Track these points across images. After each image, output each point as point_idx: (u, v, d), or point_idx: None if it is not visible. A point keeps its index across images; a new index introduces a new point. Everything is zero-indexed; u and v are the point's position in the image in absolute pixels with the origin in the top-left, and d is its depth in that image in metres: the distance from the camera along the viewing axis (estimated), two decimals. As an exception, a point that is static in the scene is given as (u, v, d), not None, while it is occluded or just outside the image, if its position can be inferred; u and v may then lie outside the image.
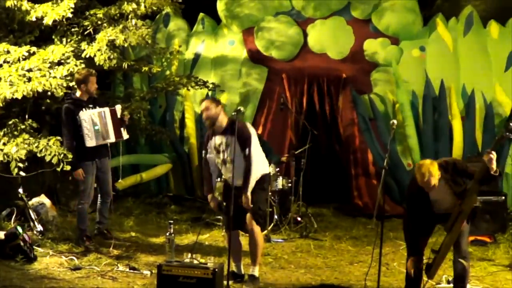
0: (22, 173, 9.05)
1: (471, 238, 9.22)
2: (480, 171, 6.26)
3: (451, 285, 7.08)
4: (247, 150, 7.16)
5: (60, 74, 9.07)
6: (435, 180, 6.24)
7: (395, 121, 6.86)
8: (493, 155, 6.14)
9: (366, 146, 11.76)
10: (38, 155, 8.85)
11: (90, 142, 8.39)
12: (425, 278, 6.74)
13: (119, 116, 8.68)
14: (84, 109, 8.44)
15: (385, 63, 11.82)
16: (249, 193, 7.18)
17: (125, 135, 8.80)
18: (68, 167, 8.63)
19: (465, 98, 11.61)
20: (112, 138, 8.53)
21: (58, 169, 8.71)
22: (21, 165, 8.80)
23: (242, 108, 7.18)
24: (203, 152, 7.52)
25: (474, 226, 9.55)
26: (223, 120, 7.27)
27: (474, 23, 11.84)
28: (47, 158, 8.73)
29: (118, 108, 8.80)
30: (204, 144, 7.56)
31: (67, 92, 9.02)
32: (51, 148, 8.73)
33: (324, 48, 12.02)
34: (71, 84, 9.23)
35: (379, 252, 6.59)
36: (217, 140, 7.25)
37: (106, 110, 8.55)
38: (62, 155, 8.61)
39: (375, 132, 11.67)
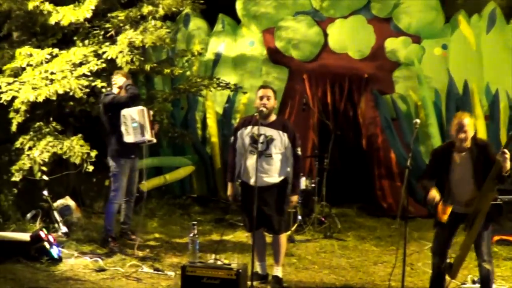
0: (45, 177, 9.13)
1: (496, 237, 9.18)
2: (493, 169, 6.22)
3: (477, 285, 7.04)
4: (298, 149, 7.17)
5: (80, 73, 9.14)
6: (469, 130, 6.32)
7: (418, 120, 6.78)
8: (507, 155, 6.11)
9: (389, 146, 11.71)
10: (64, 157, 8.92)
11: (128, 138, 8.45)
12: (448, 278, 6.70)
13: (151, 118, 8.77)
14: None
15: (407, 62, 11.76)
16: (296, 196, 7.26)
17: (154, 139, 8.85)
18: (91, 168, 8.69)
19: (488, 97, 11.50)
20: (148, 136, 8.55)
21: (82, 170, 8.80)
22: (44, 168, 8.87)
23: (264, 109, 7.12)
24: (232, 138, 7.43)
25: (499, 226, 9.49)
26: (272, 113, 7.23)
27: (497, 19, 11.73)
28: (72, 160, 8.81)
29: (151, 112, 8.91)
30: (234, 130, 7.45)
31: (102, 91, 9.23)
32: (75, 148, 8.81)
33: (344, 47, 11.99)
34: (93, 84, 9.31)
35: (403, 252, 6.55)
36: (256, 130, 7.01)
37: (145, 109, 8.62)
38: (86, 155, 8.68)
39: (398, 132, 11.62)
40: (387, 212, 11.45)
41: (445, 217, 6.44)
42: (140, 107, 8.60)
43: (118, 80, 8.78)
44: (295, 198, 7.30)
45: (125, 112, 8.46)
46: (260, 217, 7.02)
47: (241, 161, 7.27)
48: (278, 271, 7.34)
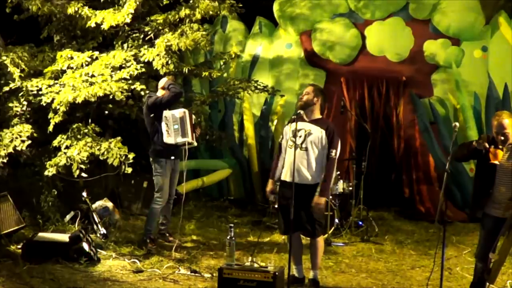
0: (84, 175, 9.23)
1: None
2: None
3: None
4: (334, 151, 7.15)
5: (120, 77, 9.24)
6: (509, 131, 6.27)
7: (457, 124, 6.72)
8: None
9: (427, 150, 11.61)
10: (100, 157, 9.02)
11: (169, 139, 8.54)
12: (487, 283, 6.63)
13: (193, 122, 8.85)
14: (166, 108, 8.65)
15: (445, 65, 11.62)
16: (324, 199, 7.17)
17: (195, 142, 8.92)
18: (129, 170, 8.78)
19: (528, 99, 11.29)
20: (189, 137, 8.61)
21: (120, 172, 8.89)
22: (83, 166, 8.97)
23: (302, 112, 7.14)
24: (281, 137, 7.51)
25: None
26: (315, 111, 7.27)
27: (538, 20, 11.48)
28: (109, 161, 8.90)
29: (194, 117, 8.99)
30: (284, 130, 7.51)
31: (146, 93, 9.36)
32: (113, 150, 8.90)
33: (382, 50, 11.90)
34: (132, 87, 9.39)
35: (441, 257, 6.50)
36: (299, 125, 7.07)
37: (187, 111, 8.69)
38: (124, 157, 8.77)
39: (436, 136, 11.50)
40: (425, 216, 11.34)
41: (498, 160, 6.34)
42: (183, 109, 8.68)
43: (161, 82, 8.88)
44: (321, 200, 7.14)
45: (167, 113, 8.55)
46: (296, 220, 6.99)
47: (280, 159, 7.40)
48: (315, 275, 7.34)
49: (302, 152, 7.10)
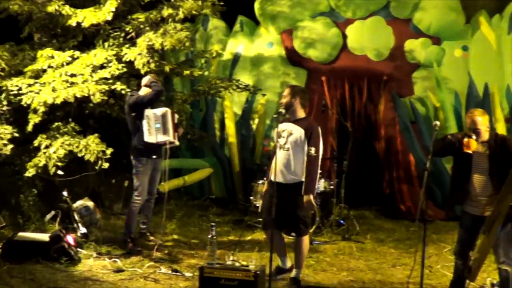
0: (60, 172, 9.18)
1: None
2: (507, 184, 6.19)
3: (496, 288, 7.00)
4: (313, 149, 7.19)
5: (101, 76, 9.22)
6: (482, 126, 6.31)
7: (438, 123, 6.75)
8: None
9: (408, 149, 11.66)
10: (79, 155, 9.00)
11: (151, 138, 8.50)
12: (468, 281, 6.66)
13: (176, 121, 8.81)
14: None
15: (426, 64, 11.69)
16: (311, 196, 7.20)
17: (177, 142, 8.90)
18: (106, 165, 8.77)
19: (509, 99, 11.33)
20: (171, 136, 8.58)
21: (97, 167, 8.88)
22: (59, 164, 8.94)
23: (283, 111, 7.18)
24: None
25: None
26: (296, 111, 7.34)
27: (519, 19, 11.53)
28: (86, 157, 8.88)
29: (176, 115, 8.95)
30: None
31: (129, 91, 9.34)
32: (90, 147, 8.88)
33: (363, 49, 11.94)
34: (113, 87, 9.36)
35: (422, 255, 6.53)
36: (283, 126, 7.29)
37: (169, 110, 8.67)
38: (101, 153, 8.76)
39: (417, 135, 11.54)
40: (405, 215, 11.40)
41: (470, 149, 6.35)
42: (165, 108, 8.65)
43: (143, 79, 8.86)
44: (306, 198, 7.19)
45: (149, 112, 8.52)
46: (280, 218, 7.06)
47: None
48: (297, 274, 7.38)
49: (284, 152, 7.20)
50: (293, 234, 7.39)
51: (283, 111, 7.21)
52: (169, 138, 8.58)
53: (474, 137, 6.30)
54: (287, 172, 7.21)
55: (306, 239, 7.43)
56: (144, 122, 8.52)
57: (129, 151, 8.83)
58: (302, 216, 7.32)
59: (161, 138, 8.54)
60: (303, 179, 7.21)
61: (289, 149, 7.21)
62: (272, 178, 7.21)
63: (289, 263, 7.58)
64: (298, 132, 7.22)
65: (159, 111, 8.55)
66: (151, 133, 8.50)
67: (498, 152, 6.33)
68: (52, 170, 8.97)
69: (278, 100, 12.05)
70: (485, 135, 6.38)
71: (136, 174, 8.73)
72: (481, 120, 6.34)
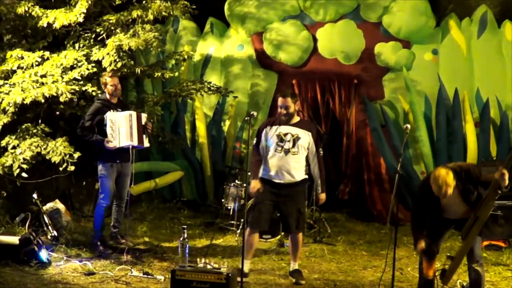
0: (24, 175, 9.09)
1: (486, 243, 9.22)
2: (491, 187, 6.24)
3: (466, 290, 7.06)
4: (321, 150, 7.63)
5: (71, 77, 9.17)
6: (451, 189, 6.25)
7: (408, 126, 6.83)
8: (505, 172, 6.13)
9: (378, 152, 11.71)
10: (47, 157, 8.93)
11: (113, 143, 8.44)
12: (440, 283, 6.72)
13: (143, 123, 8.73)
14: (111, 110, 8.55)
15: (396, 67, 11.74)
16: (324, 194, 7.72)
17: (146, 143, 8.84)
18: (72, 168, 8.72)
19: (479, 102, 11.41)
20: (135, 142, 8.54)
21: (61, 169, 8.84)
22: (24, 166, 8.87)
23: (255, 113, 7.29)
24: (254, 141, 7.77)
25: (488, 231, 9.50)
26: (294, 114, 7.57)
27: (488, 23, 11.63)
28: (53, 159, 8.83)
29: (144, 116, 8.88)
30: (258, 131, 7.77)
31: (96, 94, 9.30)
32: (58, 149, 8.83)
33: (334, 52, 11.95)
34: (83, 88, 9.32)
35: (393, 257, 6.58)
36: (284, 129, 7.51)
37: (133, 113, 8.61)
38: (68, 155, 8.71)
39: (386, 137, 11.59)
40: (376, 218, 11.47)
41: (430, 273, 6.55)
42: (129, 112, 8.58)
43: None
44: (324, 196, 7.80)
45: (112, 116, 8.46)
46: (283, 217, 7.67)
47: (262, 160, 7.65)
48: (296, 265, 7.79)
49: (293, 155, 7.47)
50: (292, 230, 7.66)
51: (255, 113, 7.52)
52: (132, 143, 8.54)
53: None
54: (294, 173, 7.50)
55: (302, 235, 7.84)
56: (108, 127, 8.45)
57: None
58: (304, 211, 7.87)
59: (124, 143, 8.49)
60: (305, 176, 7.62)
61: (297, 153, 7.47)
62: (275, 180, 7.51)
63: (248, 269, 7.69)
64: (305, 136, 7.53)
65: (123, 115, 8.49)
66: (114, 137, 8.44)
67: (467, 186, 6.38)
68: (16, 172, 8.90)
69: (249, 101, 12.13)
70: (450, 190, 6.30)
71: (99, 178, 8.72)
72: (448, 183, 6.23)
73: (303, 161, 7.56)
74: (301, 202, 7.84)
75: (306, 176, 7.67)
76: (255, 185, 7.60)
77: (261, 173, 7.65)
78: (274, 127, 7.55)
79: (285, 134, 7.48)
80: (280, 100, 7.56)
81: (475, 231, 6.36)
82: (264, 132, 7.65)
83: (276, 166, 7.50)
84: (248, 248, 7.46)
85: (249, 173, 7.76)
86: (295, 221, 7.60)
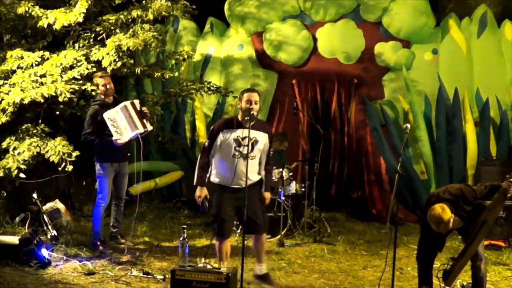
0: (22, 175, 9.10)
1: (486, 242, 9.20)
2: (498, 194, 6.28)
3: (467, 289, 7.07)
4: (272, 150, 7.42)
5: (70, 76, 9.20)
6: (450, 224, 6.29)
7: (408, 125, 6.80)
8: None
9: (378, 152, 11.71)
10: (46, 156, 8.94)
11: (122, 138, 8.44)
12: (442, 284, 6.71)
13: (138, 108, 8.72)
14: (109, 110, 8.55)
15: (396, 67, 11.75)
16: (268, 193, 7.49)
17: (149, 126, 8.84)
18: (70, 168, 8.76)
19: (479, 102, 11.43)
20: (140, 129, 8.54)
21: (60, 168, 8.86)
22: (23, 167, 8.89)
23: (255, 113, 7.11)
24: (207, 141, 7.29)
25: (488, 231, 9.52)
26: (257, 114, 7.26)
27: (488, 23, 11.64)
28: (51, 159, 8.83)
29: (137, 102, 8.84)
30: (213, 132, 7.27)
31: (92, 95, 9.28)
32: (56, 148, 8.84)
33: (334, 52, 11.96)
34: (83, 87, 9.32)
35: (393, 257, 6.57)
36: (241, 133, 7.08)
37: (127, 103, 8.60)
38: (66, 154, 8.71)
39: (386, 136, 11.60)
40: (376, 218, 11.47)
41: None
42: (122, 104, 8.57)
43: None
44: (268, 195, 7.50)
45: (109, 114, 8.44)
46: (249, 221, 7.08)
47: (214, 163, 7.29)
48: (265, 269, 7.49)
49: (251, 161, 7.12)
50: (258, 232, 7.40)
51: (255, 113, 7.10)
52: (138, 131, 8.54)
53: None
54: (253, 176, 7.19)
55: (265, 236, 7.59)
56: (110, 126, 8.44)
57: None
58: (264, 208, 7.56)
59: (131, 134, 8.48)
60: (260, 177, 7.37)
61: (255, 157, 7.18)
62: (234, 185, 7.14)
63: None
64: (263, 138, 7.21)
65: (118, 108, 8.47)
66: (120, 133, 8.43)
67: (465, 210, 6.41)
68: (15, 172, 8.91)
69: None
70: (455, 223, 6.38)
71: (98, 178, 8.73)
72: (445, 220, 6.27)
73: (257, 164, 7.25)
74: (261, 203, 7.44)
75: (260, 176, 7.35)
76: (200, 193, 7.29)
77: (215, 179, 7.29)
78: (239, 130, 7.12)
79: (243, 138, 7.07)
80: (247, 95, 7.15)
81: (482, 234, 6.37)
82: (221, 134, 7.18)
83: (234, 172, 7.07)
84: (224, 257, 7.31)
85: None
86: (263, 222, 7.37)
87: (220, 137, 7.19)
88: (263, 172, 7.37)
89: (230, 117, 7.65)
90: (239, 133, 7.09)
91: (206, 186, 7.35)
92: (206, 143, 7.30)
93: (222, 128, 7.22)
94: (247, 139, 7.06)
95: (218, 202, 7.28)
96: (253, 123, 7.08)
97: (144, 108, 8.84)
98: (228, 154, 7.14)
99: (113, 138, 8.42)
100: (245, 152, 7.06)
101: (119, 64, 9.62)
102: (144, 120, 8.70)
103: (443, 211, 6.21)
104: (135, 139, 8.61)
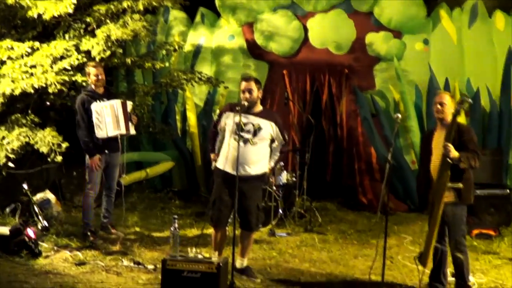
0: (11, 165, 9.08)
1: (476, 231, 9.26)
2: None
3: (454, 278, 7.08)
4: (286, 137, 7.43)
5: (60, 67, 9.14)
6: (447, 107, 6.64)
7: (399, 115, 6.81)
8: (448, 146, 6.39)
9: (369, 142, 11.73)
10: (35, 147, 8.91)
11: (101, 133, 8.44)
12: (421, 268, 6.73)
13: (128, 111, 8.72)
14: (97, 101, 8.52)
15: (387, 57, 11.76)
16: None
17: (133, 131, 8.84)
18: (59, 158, 8.72)
19: (469, 92, 11.37)
20: (123, 130, 8.57)
21: (49, 159, 8.86)
22: (12, 156, 8.87)
23: (245, 103, 7.11)
24: (218, 119, 7.40)
25: (478, 219, 9.59)
26: (257, 103, 7.24)
27: (479, 13, 11.67)
28: (41, 149, 8.81)
29: (129, 104, 8.87)
30: (220, 113, 7.44)
31: (83, 85, 9.23)
32: (46, 139, 8.81)
33: (325, 42, 11.94)
34: (73, 78, 9.29)
35: (383, 246, 6.59)
36: (244, 118, 7.05)
37: (118, 102, 8.60)
38: (56, 145, 8.69)
39: (378, 128, 11.62)
40: (367, 207, 11.49)
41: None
42: (113, 101, 8.57)
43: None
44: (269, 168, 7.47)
45: (97, 107, 8.44)
46: (242, 211, 7.16)
47: (219, 143, 7.38)
48: (246, 262, 7.53)
49: (251, 147, 7.09)
50: (247, 228, 7.38)
51: (246, 103, 7.08)
52: (120, 132, 8.55)
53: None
54: (251, 166, 7.13)
55: (254, 234, 7.63)
56: (94, 118, 8.44)
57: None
58: (261, 207, 7.48)
59: (112, 132, 8.49)
60: (262, 171, 7.28)
61: (257, 143, 7.11)
62: (228, 170, 7.12)
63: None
64: (268, 126, 7.16)
65: (108, 104, 8.48)
66: (102, 128, 8.43)
67: (456, 140, 6.52)
68: (3, 161, 8.89)
69: (239, 91, 12.06)
70: (448, 119, 6.64)
71: (87, 168, 8.70)
72: (448, 99, 6.71)
73: (263, 154, 7.21)
74: (258, 198, 7.42)
75: (265, 170, 7.33)
76: (214, 158, 7.41)
77: (219, 164, 7.27)
78: (234, 114, 7.05)
79: (245, 124, 7.05)
80: (243, 84, 7.17)
81: (436, 207, 6.49)
82: (225, 115, 7.25)
83: (232, 157, 7.03)
84: (219, 245, 7.35)
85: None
86: (255, 219, 7.31)
87: (224, 118, 7.27)
88: (269, 165, 7.38)
89: (237, 102, 7.53)
90: (242, 118, 7.04)
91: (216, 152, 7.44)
92: (214, 121, 7.51)
93: (227, 110, 7.28)
94: (250, 124, 7.08)
95: (216, 189, 7.31)
96: (259, 111, 7.19)
97: (133, 116, 8.91)
98: (227, 137, 7.18)
99: (96, 132, 8.44)
100: (247, 137, 7.07)
101: (108, 53, 9.59)
102: (130, 124, 8.71)
103: (452, 97, 6.85)
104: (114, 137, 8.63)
